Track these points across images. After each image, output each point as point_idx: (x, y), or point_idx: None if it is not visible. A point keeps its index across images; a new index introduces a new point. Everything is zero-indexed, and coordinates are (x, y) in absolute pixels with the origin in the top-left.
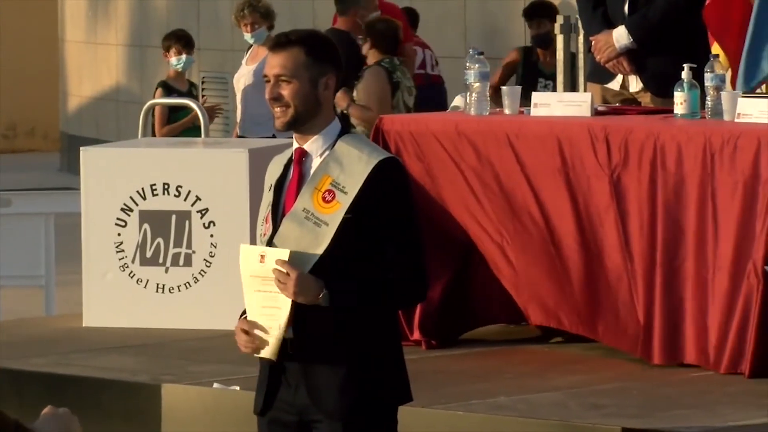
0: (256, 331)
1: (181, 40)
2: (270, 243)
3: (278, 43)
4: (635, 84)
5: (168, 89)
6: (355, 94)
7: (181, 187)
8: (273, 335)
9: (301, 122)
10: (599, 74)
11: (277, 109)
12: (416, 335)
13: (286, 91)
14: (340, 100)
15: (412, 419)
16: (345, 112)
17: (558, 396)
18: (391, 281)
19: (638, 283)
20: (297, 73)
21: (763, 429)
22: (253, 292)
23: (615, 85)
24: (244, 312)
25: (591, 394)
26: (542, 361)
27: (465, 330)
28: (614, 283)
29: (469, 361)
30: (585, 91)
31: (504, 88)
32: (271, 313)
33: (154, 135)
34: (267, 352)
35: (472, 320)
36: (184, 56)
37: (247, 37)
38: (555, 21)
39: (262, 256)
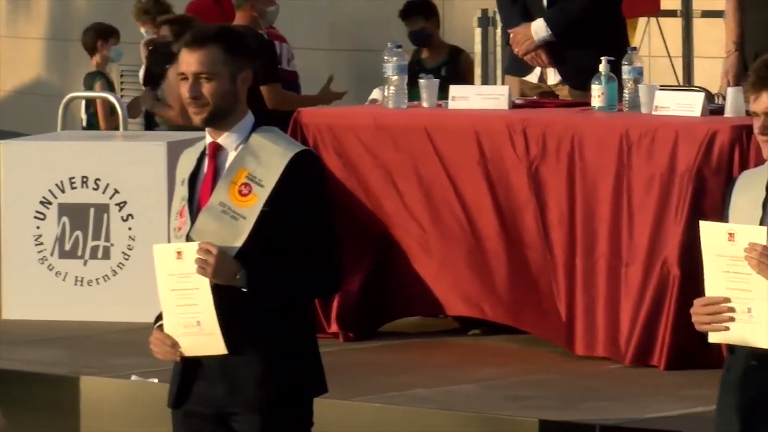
0: (192, 337)
1: (114, 32)
2: (187, 238)
3: (195, 41)
4: (553, 77)
5: (108, 81)
6: (159, 92)
7: (99, 180)
8: (207, 330)
9: (219, 118)
10: (517, 67)
11: (196, 109)
12: (334, 328)
13: (206, 89)
14: (144, 99)
15: (331, 412)
16: (149, 110)
17: (476, 388)
18: (304, 272)
19: (558, 274)
20: (216, 70)
21: (680, 420)
22: (169, 291)
23: (533, 78)
24: (160, 315)
25: (510, 386)
26: (461, 354)
27: (383, 323)
28: (535, 273)
29: (388, 354)
30: (503, 84)
31: (421, 81)
32: (186, 311)
33: (89, 128)
34: (216, 348)
35: (390, 313)
36: (118, 47)
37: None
38: (430, 18)
39: (179, 253)
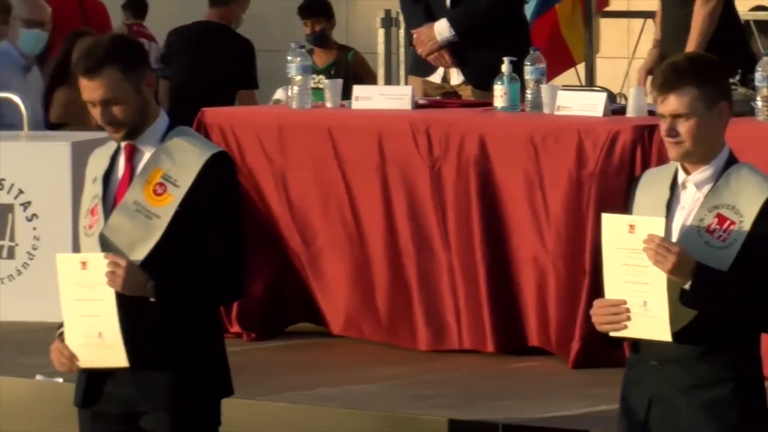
0: (93, 348)
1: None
2: (100, 236)
3: (88, 69)
4: (456, 77)
5: None
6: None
7: (4, 180)
8: (109, 342)
9: (138, 130)
10: (421, 67)
11: (112, 130)
12: (236, 328)
13: (117, 111)
14: None
15: (235, 411)
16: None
17: (381, 387)
18: (212, 279)
19: (460, 273)
20: (121, 93)
21: (583, 418)
22: (72, 300)
23: (436, 78)
24: (62, 325)
25: (415, 386)
26: (366, 353)
27: (284, 326)
28: (435, 274)
29: (292, 353)
30: (406, 84)
31: (325, 81)
32: (88, 322)
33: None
34: (117, 361)
35: (291, 317)
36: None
37: None
38: (330, 19)
39: (84, 263)
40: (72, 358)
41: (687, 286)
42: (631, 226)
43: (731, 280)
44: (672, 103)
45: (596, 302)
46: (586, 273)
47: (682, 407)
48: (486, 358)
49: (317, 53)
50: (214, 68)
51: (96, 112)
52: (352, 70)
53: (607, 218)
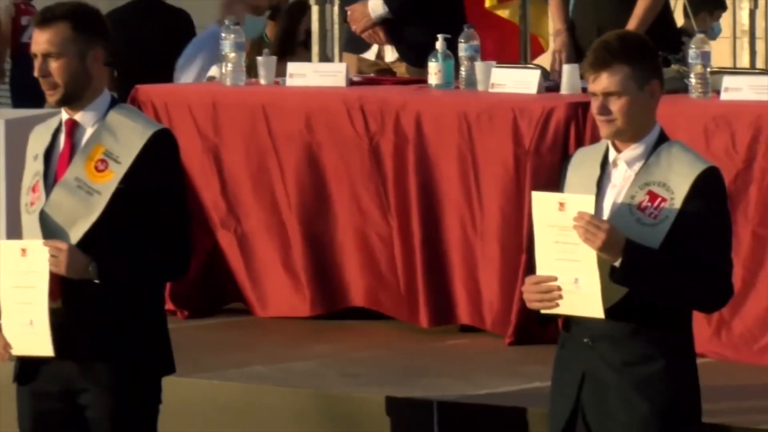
0: (24, 336)
1: None
2: (41, 213)
3: (43, 20)
4: (391, 54)
5: None
6: None
7: None
8: (38, 330)
9: (73, 98)
10: (355, 44)
11: (48, 89)
12: (169, 305)
13: (54, 69)
14: None
15: (170, 389)
16: None
17: (314, 365)
18: (155, 257)
19: (400, 250)
20: (64, 49)
21: (517, 395)
22: (11, 288)
23: (371, 55)
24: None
25: (348, 363)
26: (299, 331)
27: (220, 304)
28: (375, 250)
29: (226, 331)
30: (341, 61)
31: (259, 58)
32: (23, 309)
33: None
34: (43, 349)
35: (225, 296)
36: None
37: None
38: None
39: (24, 250)
40: (6, 347)
41: (617, 264)
42: (561, 204)
43: (661, 258)
44: (604, 82)
45: (527, 279)
46: (523, 251)
47: (614, 384)
48: (421, 335)
49: (270, 26)
50: (155, 46)
51: (36, 65)
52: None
53: (537, 196)
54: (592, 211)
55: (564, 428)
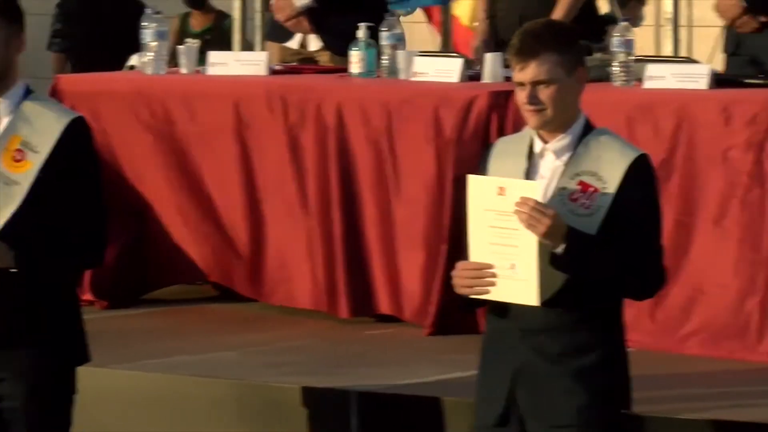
0: None
1: None
2: None
3: None
4: (315, 43)
5: None
6: None
7: None
8: None
9: None
10: (278, 33)
11: None
12: (88, 296)
13: None
14: None
15: (88, 379)
16: None
17: (235, 355)
18: (73, 245)
19: (320, 239)
20: None
21: (437, 385)
22: None
23: (294, 44)
24: None
25: (269, 353)
26: (219, 320)
27: (141, 293)
28: (294, 239)
29: (145, 321)
30: (263, 50)
31: (180, 47)
32: None
33: None
34: None
35: (148, 283)
36: None
37: None
38: None
39: None
40: None
41: (558, 250)
42: (501, 188)
43: (601, 245)
44: (532, 70)
45: (459, 264)
46: (444, 240)
47: (551, 375)
48: (341, 325)
49: (194, 16)
50: (111, 34)
51: None
52: (227, 38)
53: (473, 179)
54: (537, 197)
55: (496, 423)
